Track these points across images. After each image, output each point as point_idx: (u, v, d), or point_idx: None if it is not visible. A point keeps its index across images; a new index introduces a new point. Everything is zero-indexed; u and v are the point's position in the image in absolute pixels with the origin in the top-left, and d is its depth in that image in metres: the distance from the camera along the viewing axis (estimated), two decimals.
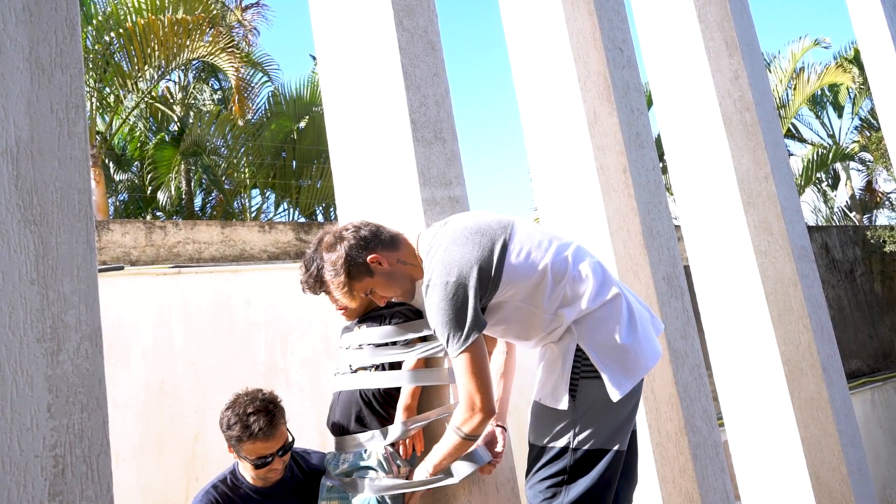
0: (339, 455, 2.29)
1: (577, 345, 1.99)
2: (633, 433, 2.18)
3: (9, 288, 1.38)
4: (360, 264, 2.05)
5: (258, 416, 2.23)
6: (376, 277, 2.08)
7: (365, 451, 2.20)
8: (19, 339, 1.37)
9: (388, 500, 2.16)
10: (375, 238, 2.09)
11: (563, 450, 1.98)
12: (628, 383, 1.96)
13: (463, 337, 1.88)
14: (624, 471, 2.10)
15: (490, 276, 1.94)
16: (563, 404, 1.97)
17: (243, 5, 12.21)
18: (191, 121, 11.50)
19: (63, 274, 1.44)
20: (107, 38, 9.68)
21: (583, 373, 1.98)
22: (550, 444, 2.00)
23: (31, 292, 1.40)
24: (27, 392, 1.36)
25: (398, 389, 2.25)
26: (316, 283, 2.32)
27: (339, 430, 2.30)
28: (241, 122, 11.22)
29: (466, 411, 1.92)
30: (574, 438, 1.97)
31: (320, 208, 12.14)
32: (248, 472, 2.34)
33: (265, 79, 11.80)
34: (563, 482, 1.96)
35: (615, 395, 1.94)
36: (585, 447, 1.96)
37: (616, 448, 1.99)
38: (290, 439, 2.34)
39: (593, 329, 1.99)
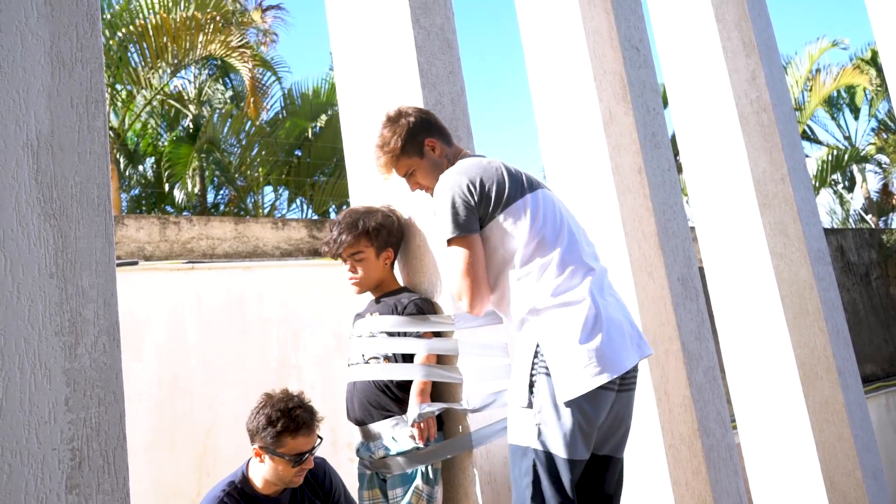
0: (367, 443, 2.32)
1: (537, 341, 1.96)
2: (618, 443, 2.07)
3: (28, 281, 1.39)
4: (416, 142, 2.14)
5: (299, 410, 2.24)
6: (424, 160, 2.15)
7: (393, 437, 2.25)
8: (38, 332, 1.38)
9: (431, 474, 2.21)
10: (437, 125, 2.18)
11: (527, 449, 1.93)
12: (577, 387, 1.87)
13: (456, 224, 1.96)
14: (600, 481, 2.04)
15: (492, 196, 1.98)
16: (522, 400, 1.94)
17: (263, 6, 12.22)
18: (204, 119, 11.54)
19: (82, 268, 1.45)
20: (119, 35, 9.73)
21: (539, 369, 1.94)
22: (515, 442, 1.97)
23: (51, 286, 1.41)
24: (45, 385, 1.36)
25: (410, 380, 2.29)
26: (335, 242, 2.39)
27: (362, 421, 2.33)
28: (255, 122, 11.24)
29: (452, 294, 1.95)
30: (536, 437, 1.91)
31: (334, 207, 12.16)
32: (271, 477, 2.27)
33: (277, 77, 11.82)
34: (532, 482, 1.90)
35: (562, 395, 1.88)
36: (546, 449, 1.90)
37: (571, 457, 1.90)
38: (321, 438, 2.33)
39: (551, 326, 1.94)
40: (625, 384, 2.02)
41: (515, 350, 2.06)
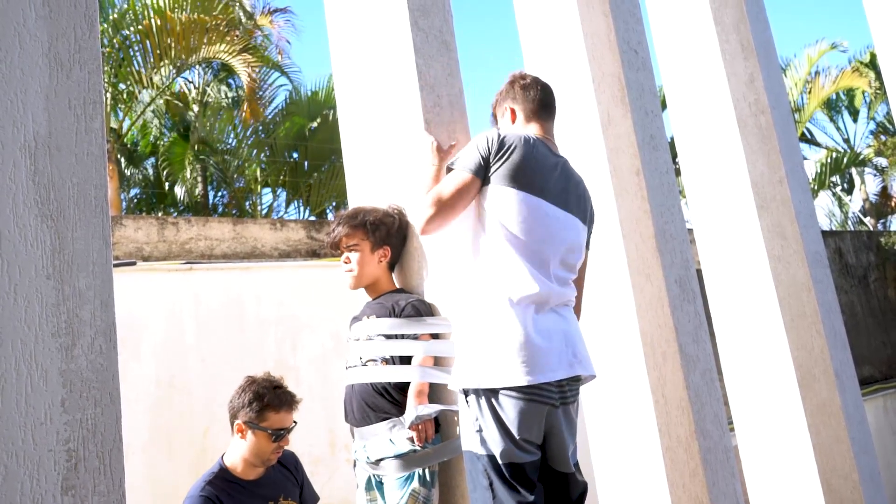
0: (365, 446, 2.33)
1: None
2: (561, 457, 2.08)
3: (25, 282, 1.39)
4: (504, 106, 2.37)
5: (281, 388, 2.45)
6: (502, 120, 2.38)
7: (391, 440, 2.26)
8: (34, 333, 1.38)
9: (427, 476, 2.22)
10: (533, 102, 2.33)
11: (477, 455, 1.97)
12: (481, 381, 1.95)
13: (464, 159, 2.13)
14: (565, 492, 2.07)
15: (507, 160, 2.08)
16: (461, 382, 2.01)
17: (271, 9, 12.16)
18: (201, 119, 11.52)
19: (79, 269, 1.45)
20: (123, 34, 9.74)
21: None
22: (467, 449, 2.01)
23: (47, 287, 1.41)
24: (42, 386, 1.36)
25: (408, 382, 2.29)
26: (333, 231, 2.49)
27: (358, 421, 2.33)
28: (250, 124, 11.23)
29: (417, 211, 2.13)
30: (480, 444, 1.96)
31: (331, 207, 12.16)
32: (249, 456, 2.41)
33: (281, 79, 11.82)
34: (489, 486, 1.94)
35: (467, 383, 1.98)
36: (491, 453, 1.95)
37: (510, 460, 1.93)
38: (296, 422, 2.50)
39: (484, 326, 2.02)
40: (561, 399, 2.04)
41: (458, 338, 2.16)
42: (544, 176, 2.12)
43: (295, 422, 2.48)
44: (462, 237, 2.25)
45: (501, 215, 2.06)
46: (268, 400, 2.39)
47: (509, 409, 1.94)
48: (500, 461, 1.93)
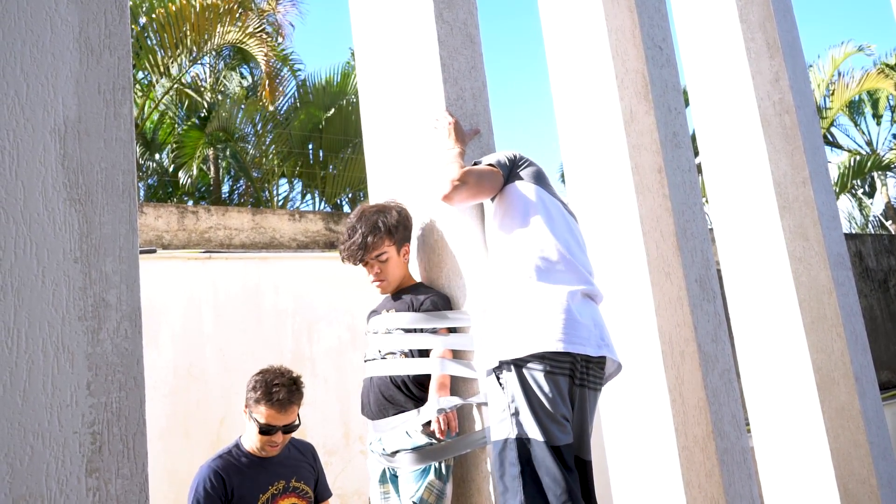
0: (381, 438, 2.33)
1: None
2: (585, 442, 2.08)
3: (53, 266, 1.40)
4: None
5: (281, 388, 2.45)
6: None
7: (407, 433, 2.26)
8: (62, 316, 1.39)
9: (443, 470, 2.22)
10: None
11: (508, 441, 1.95)
12: (526, 347, 1.97)
13: (496, 160, 2.28)
14: (586, 484, 2.05)
15: (524, 164, 2.30)
16: (493, 360, 2.04)
17: None
18: (217, 107, 11.55)
19: (106, 253, 1.45)
20: (141, 22, 9.80)
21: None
22: (496, 438, 2.00)
23: (75, 270, 1.41)
24: (68, 369, 1.37)
25: (428, 375, 2.28)
26: (361, 247, 2.41)
27: (375, 414, 2.34)
28: (271, 108, 11.24)
29: (444, 175, 2.18)
30: (514, 426, 1.95)
31: (346, 198, 12.17)
32: (251, 440, 2.51)
33: (297, 65, 11.84)
34: (521, 473, 1.91)
35: (512, 353, 1.98)
36: (526, 435, 1.93)
37: (550, 442, 1.91)
38: (297, 423, 2.53)
39: (522, 306, 2.06)
40: (586, 380, 2.06)
41: (490, 322, 2.19)
42: (556, 192, 2.31)
43: (297, 423, 2.50)
44: (489, 227, 2.34)
45: (528, 203, 2.19)
46: (260, 395, 2.44)
47: (544, 385, 1.94)
48: (536, 444, 1.91)
